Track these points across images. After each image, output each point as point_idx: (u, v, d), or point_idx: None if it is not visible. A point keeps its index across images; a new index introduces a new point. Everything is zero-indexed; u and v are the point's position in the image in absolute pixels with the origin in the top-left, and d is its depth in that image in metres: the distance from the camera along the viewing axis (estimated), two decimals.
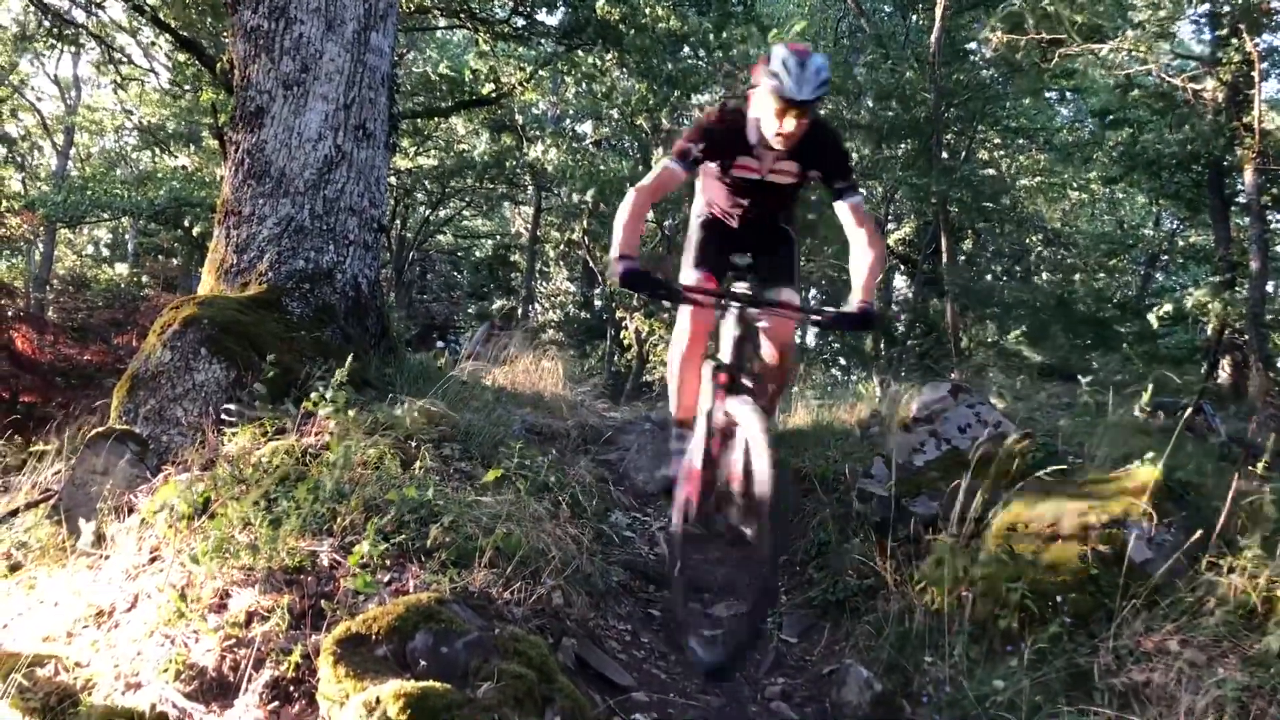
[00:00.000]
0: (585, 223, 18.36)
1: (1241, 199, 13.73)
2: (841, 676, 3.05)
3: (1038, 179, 19.24)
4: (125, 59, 14.77)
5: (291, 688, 2.26)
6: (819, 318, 3.31)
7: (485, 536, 2.94)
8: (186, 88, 14.13)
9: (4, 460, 4.50)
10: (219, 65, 10.05)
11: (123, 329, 11.96)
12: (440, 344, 14.46)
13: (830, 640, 3.54)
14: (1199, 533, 2.93)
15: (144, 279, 19.46)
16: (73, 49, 14.90)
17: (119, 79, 14.62)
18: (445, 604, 2.37)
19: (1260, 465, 3.30)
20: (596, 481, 4.62)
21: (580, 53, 12.63)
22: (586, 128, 21.19)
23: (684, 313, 3.43)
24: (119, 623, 2.63)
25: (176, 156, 20.30)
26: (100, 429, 3.75)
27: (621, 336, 18.32)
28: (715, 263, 3.51)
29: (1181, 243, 20.19)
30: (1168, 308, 12.81)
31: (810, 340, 17.82)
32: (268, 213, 5.00)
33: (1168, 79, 12.15)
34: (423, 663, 2.17)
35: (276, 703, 2.23)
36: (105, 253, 26.55)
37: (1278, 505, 2.82)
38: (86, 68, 20.34)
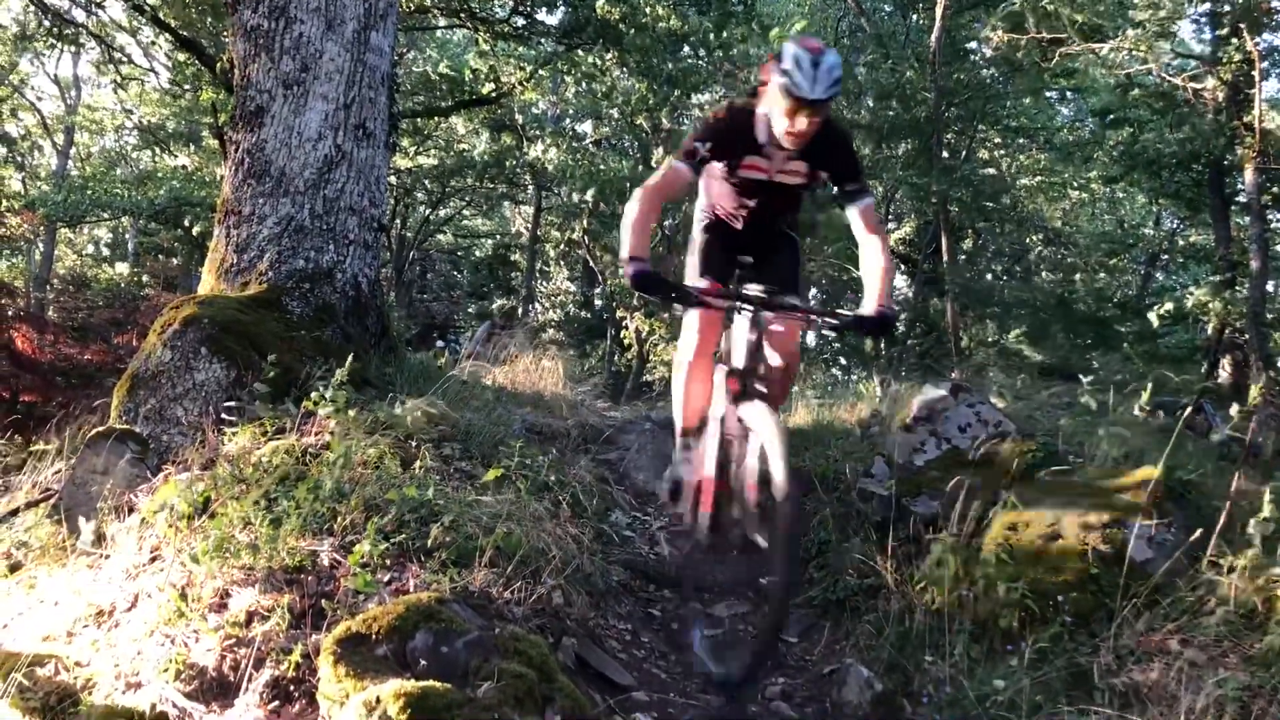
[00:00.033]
0: (585, 222, 18.36)
1: (1242, 198, 13.73)
2: (842, 676, 3.05)
3: (1038, 178, 19.23)
4: (125, 58, 14.78)
5: (292, 687, 2.26)
6: (835, 321, 3.21)
7: (485, 536, 2.94)
8: (186, 87, 14.14)
9: (4, 460, 4.50)
10: (219, 65, 10.05)
11: (123, 328, 11.96)
12: (440, 343, 14.47)
13: (831, 640, 3.54)
14: (1199, 532, 2.93)
15: (144, 278, 19.45)
16: (73, 48, 14.92)
17: (119, 78, 14.63)
18: (445, 603, 2.37)
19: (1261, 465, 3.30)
20: (597, 481, 4.62)
21: (580, 52, 12.63)
22: (586, 127, 21.20)
23: (691, 317, 3.35)
24: (119, 622, 2.63)
25: (176, 156, 20.32)
26: (100, 428, 3.75)
27: (622, 336, 18.33)
28: (721, 268, 3.43)
29: (1182, 242, 20.20)
30: (1168, 307, 12.78)
31: (810, 340, 17.84)
32: (268, 212, 5.00)
33: (1168, 78, 12.14)
34: (423, 662, 2.17)
35: (277, 702, 2.23)
36: (105, 252, 26.55)
37: (1278, 505, 2.81)
38: (86, 67, 20.39)
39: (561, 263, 24.37)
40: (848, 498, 4.30)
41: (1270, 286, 13.59)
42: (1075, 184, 19.36)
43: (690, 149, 3.07)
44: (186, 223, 16.74)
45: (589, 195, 15.89)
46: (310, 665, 2.27)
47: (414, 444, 3.68)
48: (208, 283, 5.09)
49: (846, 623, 3.57)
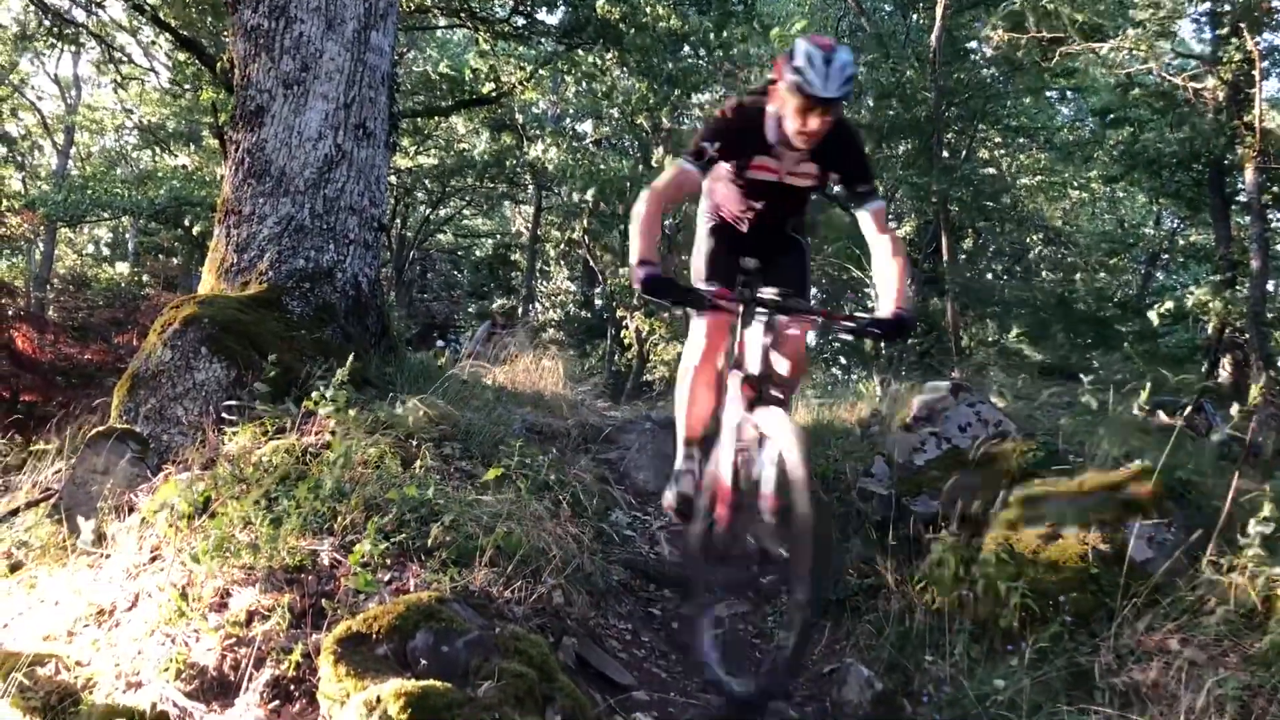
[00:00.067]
0: (586, 222, 18.37)
1: (1242, 198, 13.74)
2: (842, 675, 3.05)
3: (1038, 178, 19.22)
4: (125, 58, 14.79)
5: (292, 687, 2.27)
6: (851, 325, 3.03)
7: (486, 535, 2.94)
8: (186, 87, 14.16)
9: (4, 459, 4.50)
10: (219, 64, 10.06)
11: (123, 328, 11.96)
12: (440, 343, 14.46)
13: (831, 639, 3.54)
14: (1200, 532, 2.93)
15: (144, 278, 19.47)
16: (73, 48, 14.92)
17: (119, 78, 14.64)
18: (446, 603, 2.37)
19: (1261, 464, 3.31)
20: (597, 480, 4.62)
21: (580, 52, 12.64)
22: (587, 127, 21.21)
23: (698, 321, 3.26)
24: (120, 622, 2.63)
25: (177, 156, 20.34)
26: (101, 428, 3.75)
27: (622, 336, 18.34)
28: (727, 271, 3.31)
29: (1182, 241, 20.20)
30: (1168, 306, 12.79)
31: (810, 339, 17.79)
32: (268, 212, 5.00)
33: (1168, 78, 12.14)
34: (423, 662, 2.17)
35: (277, 702, 2.23)
36: (106, 252, 26.56)
37: (1278, 504, 2.81)
38: (87, 67, 20.40)
39: (562, 262, 24.39)
40: (848, 497, 4.30)
41: (1270, 286, 13.60)
42: (1075, 183, 19.35)
43: (698, 149, 3.00)
44: (187, 222, 16.76)
45: (589, 195, 15.89)
46: (311, 665, 2.27)
47: (414, 443, 3.68)
48: (208, 282, 5.09)
49: (847, 622, 3.57)
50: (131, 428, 3.84)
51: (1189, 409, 5.86)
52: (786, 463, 2.63)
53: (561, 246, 22.70)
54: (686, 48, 12.86)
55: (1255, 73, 10.97)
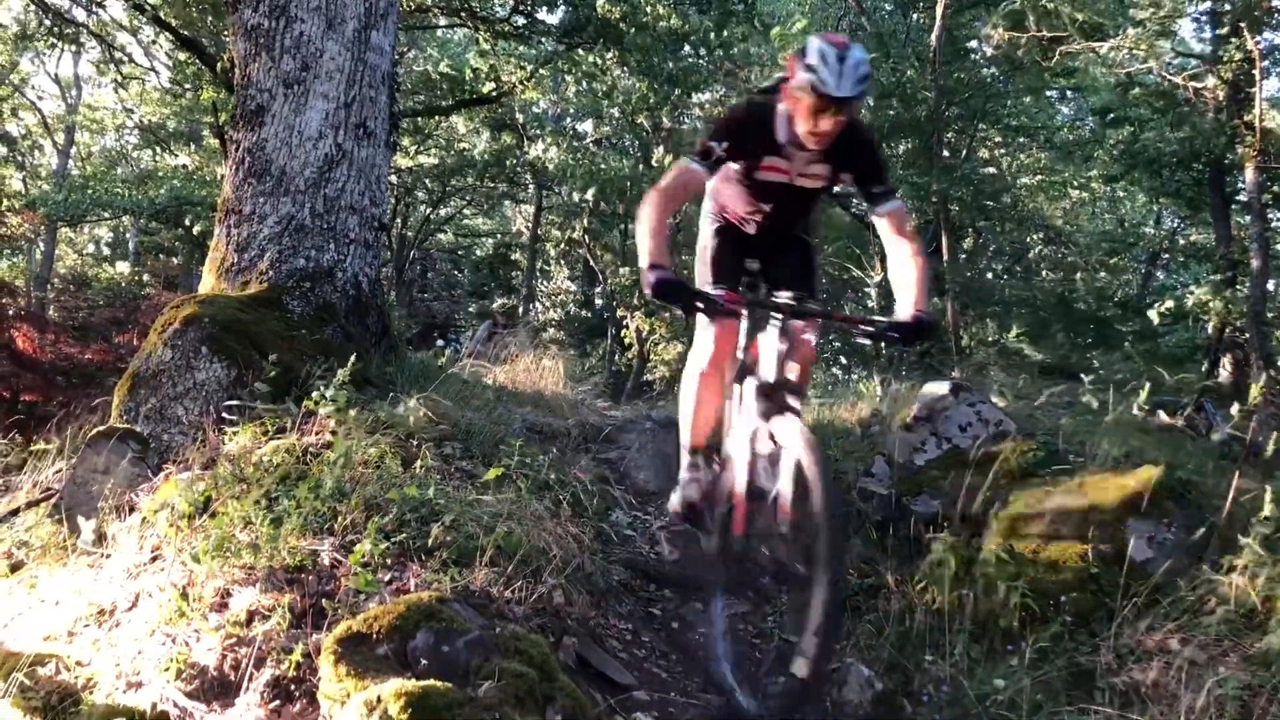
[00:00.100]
0: (586, 221, 18.38)
1: (1242, 197, 13.73)
2: (842, 675, 3.05)
3: (1038, 177, 19.22)
4: (126, 58, 14.79)
5: (292, 686, 2.27)
6: (870, 329, 2.89)
7: (486, 535, 2.94)
8: (187, 86, 14.17)
9: (5, 459, 4.50)
10: (219, 64, 10.07)
11: (124, 328, 11.97)
12: (441, 342, 14.46)
13: None
14: (1200, 531, 2.93)
15: (145, 278, 19.49)
16: (73, 48, 14.92)
17: (119, 78, 14.66)
18: (446, 603, 2.37)
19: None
20: (597, 480, 4.62)
21: (581, 51, 12.63)
22: (587, 126, 21.21)
23: (706, 327, 3.15)
24: (120, 622, 2.63)
25: (177, 155, 20.35)
26: (101, 428, 3.75)
27: (622, 335, 18.34)
28: (734, 274, 3.24)
29: (1182, 241, 20.21)
30: (1168, 306, 12.80)
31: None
32: (268, 211, 5.00)
33: (1168, 77, 12.14)
34: (424, 661, 2.17)
35: (277, 701, 2.23)
36: (106, 251, 26.58)
37: (1278, 504, 2.81)
38: (87, 67, 20.37)
39: (562, 262, 24.40)
40: (848, 497, 4.30)
41: (1271, 285, 13.59)
42: (1075, 183, 19.35)
43: (705, 148, 2.91)
44: (187, 222, 16.76)
45: (589, 194, 15.90)
46: (311, 665, 2.27)
47: (415, 443, 3.68)
48: (208, 282, 5.09)
49: (847, 622, 3.56)
50: (132, 427, 3.84)
51: (1189, 409, 5.86)
52: (805, 474, 2.52)
53: (562, 246, 22.71)
54: (687, 47, 12.85)
55: (1255, 72, 10.96)
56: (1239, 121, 11.75)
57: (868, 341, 3.01)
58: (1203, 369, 13.16)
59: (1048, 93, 17.26)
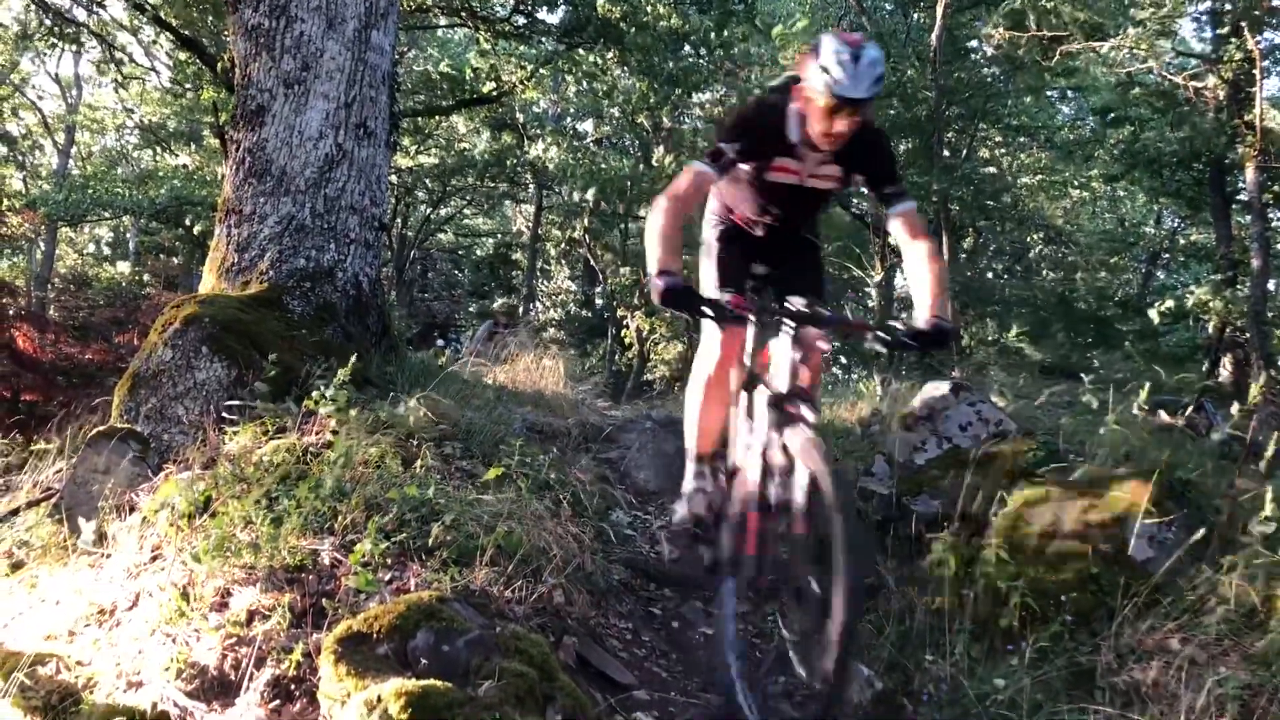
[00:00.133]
0: (586, 221, 18.38)
1: (1243, 197, 13.75)
2: None
3: (1039, 177, 19.23)
4: (126, 58, 14.80)
5: (293, 686, 2.27)
6: (887, 337, 2.76)
7: (486, 535, 2.94)
8: (187, 86, 14.19)
9: (5, 459, 4.50)
10: (220, 64, 10.07)
11: (124, 327, 11.97)
12: (441, 342, 14.46)
13: None
14: (1200, 531, 2.93)
15: (145, 277, 19.50)
16: (74, 48, 14.91)
17: (120, 78, 14.66)
18: (446, 602, 2.37)
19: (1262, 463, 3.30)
20: (597, 480, 4.62)
21: (581, 51, 12.63)
22: (587, 126, 21.23)
23: (713, 332, 3.07)
24: (120, 621, 2.64)
25: (177, 155, 20.37)
26: (102, 428, 3.75)
27: (622, 335, 18.34)
28: (741, 278, 3.15)
29: (1183, 241, 20.23)
30: (1169, 304, 12.81)
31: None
32: (269, 211, 5.00)
33: (1169, 77, 12.15)
34: (424, 661, 2.17)
35: (278, 701, 2.23)
36: (106, 251, 26.60)
37: (1278, 504, 2.81)
38: (87, 66, 20.35)
39: (562, 261, 24.42)
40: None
41: (1271, 285, 13.59)
42: (1076, 182, 19.36)
43: (716, 150, 2.84)
44: (188, 222, 16.78)
45: (590, 194, 15.90)
46: (311, 664, 2.27)
47: (415, 443, 3.68)
48: (209, 282, 5.09)
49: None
50: (132, 427, 3.84)
51: (1190, 408, 5.86)
52: (820, 489, 2.42)
53: (562, 246, 22.72)
54: (687, 47, 12.85)
55: (1256, 71, 10.97)
56: (1239, 121, 11.76)
57: (883, 350, 2.89)
58: (1203, 369, 13.18)
59: (1048, 92, 17.28)
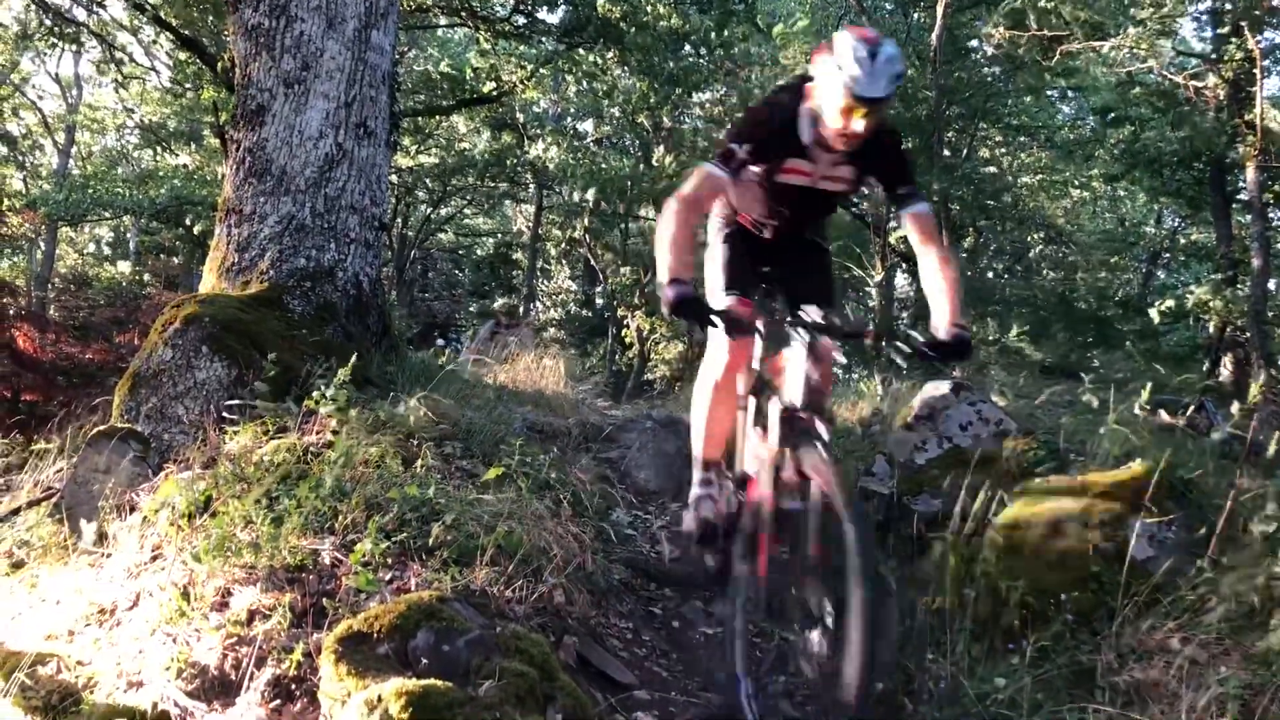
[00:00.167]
0: (587, 221, 18.38)
1: (1243, 196, 13.75)
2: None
3: (1039, 177, 19.24)
4: (126, 57, 14.80)
5: (293, 686, 2.27)
6: (906, 348, 2.67)
7: (487, 534, 2.94)
8: (187, 86, 14.18)
9: (6, 459, 4.50)
10: (220, 64, 10.08)
11: (124, 327, 11.96)
12: (441, 342, 14.47)
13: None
14: (1201, 530, 2.93)
15: (146, 277, 19.49)
16: (74, 47, 14.92)
17: (120, 77, 14.66)
18: (447, 602, 2.37)
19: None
20: (598, 479, 4.62)
21: (581, 51, 12.63)
22: (588, 126, 21.22)
23: (720, 337, 2.93)
24: (121, 621, 2.64)
25: (178, 155, 20.37)
26: (102, 427, 3.75)
27: (623, 335, 18.34)
28: (748, 283, 3.07)
29: (1183, 240, 20.23)
30: (1169, 304, 12.81)
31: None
32: (269, 211, 5.00)
33: (1169, 76, 12.14)
34: (424, 661, 2.17)
35: (278, 701, 2.23)
36: (107, 251, 26.59)
37: (1279, 502, 2.81)
38: (88, 66, 20.35)
39: (563, 261, 24.41)
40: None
41: (1271, 285, 13.59)
42: (1076, 182, 19.36)
43: (727, 152, 2.76)
44: (188, 221, 16.79)
45: (590, 194, 15.91)
46: (312, 664, 2.27)
47: (415, 442, 3.68)
48: (209, 281, 5.09)
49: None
50: (133, 427, 3.84)
51: (1190, 408, 5.86)
52: (833, 509, 2.33)
53: (562, 245, 22.72)
54: (687, 47, 12.85)
55: (1256, 71, 10.97)
56: (1240, 121, 11.76)
57: (903, 362, 2.84)
58: (1203, 368, 13.18)
59: (1048, 92, 17.26)
